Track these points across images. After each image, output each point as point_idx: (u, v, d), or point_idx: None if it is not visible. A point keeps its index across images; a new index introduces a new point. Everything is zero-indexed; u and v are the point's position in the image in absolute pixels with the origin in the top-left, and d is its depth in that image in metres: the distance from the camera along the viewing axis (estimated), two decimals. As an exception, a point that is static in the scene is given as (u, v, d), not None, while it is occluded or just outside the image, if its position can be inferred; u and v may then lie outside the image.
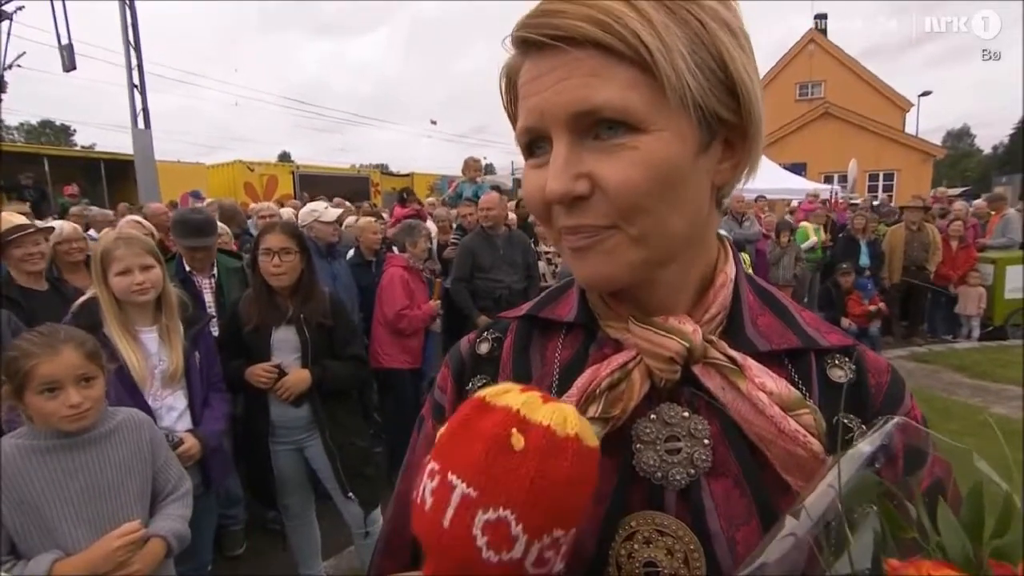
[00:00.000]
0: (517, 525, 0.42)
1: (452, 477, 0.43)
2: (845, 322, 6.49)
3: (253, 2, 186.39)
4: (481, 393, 0.47)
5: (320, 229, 3.97)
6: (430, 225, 5.47)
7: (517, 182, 15.61)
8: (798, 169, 14.87)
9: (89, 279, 2.90)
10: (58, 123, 48.28)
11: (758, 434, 0.51)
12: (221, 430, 2.26)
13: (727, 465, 0.52)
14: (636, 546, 0.52)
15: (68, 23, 10.50)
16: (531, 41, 0.47)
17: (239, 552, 3.24)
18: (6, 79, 11.49)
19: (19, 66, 11.94)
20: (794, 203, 10.34)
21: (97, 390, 1.58)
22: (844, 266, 6.75)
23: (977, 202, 9.55)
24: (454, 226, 5.48)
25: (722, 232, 0.61)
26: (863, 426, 0.51)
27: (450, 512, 0.43)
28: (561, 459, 0.43)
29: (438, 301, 4.06)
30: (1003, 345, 7.06)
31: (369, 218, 4.95)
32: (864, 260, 7.18)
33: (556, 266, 4.97)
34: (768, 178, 10.14)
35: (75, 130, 48.39)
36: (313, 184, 14.21)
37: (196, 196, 9.77)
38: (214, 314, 2.94)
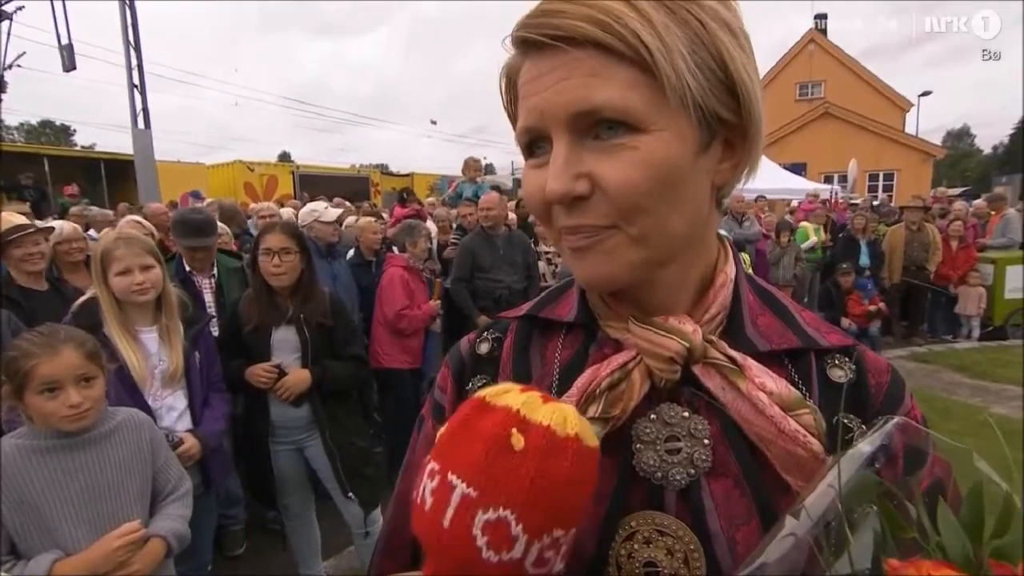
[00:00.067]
0: (517, 525, 0.42)
1: (452, 477, 0.43)
2: (845, 322, 6.48)
3: (253, 2, 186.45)
4: (481, 393, 0.47)
5: (320, 229, 3.97)
6: (430, 225, 5.47)
7: (517, 182, 15.60)
8: (798, 169, 14.87)
9: (89, 279, 2.91)
10: (58, 123, 48.31)
11: (758, 434, 0.51)
12: (221, 430, 2.26)
13: (727, 465, 0.52)
14: (636, 546, 0.52)
15: (68, 23, 10.51)
16: (531, 41, 0.47)
17: (239, 552, 3.24)
18: (6, 79, 11.50)
19: (19, 66, 11.95)
20: (794, 203, 10.34)
21: (97, 390, 1.58)
22: (844, 266, 6.75)
23: (977, 202, 9.55)
24: (454, 226, 5.48)
25: (722, 232, 0.61)
26: (863, 426, 0.51)
27: (450, 512, 0.43)
28: (561, 459, 0.43)
29: (438, 301, 4.06)
30: (1003, 345, 7.06)
31: (369, 218, 4.96)
32: (864, 260, 7.19)
33: (556, 266, 4.97)
34: (768, 178, 10.14)
35: (75, 130, 48.44)
36: (313, 184, 14.21)
37: (196, 196, 9.77)
38: (214, 314, 2.94)
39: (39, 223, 3.11)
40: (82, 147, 29.40)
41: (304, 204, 5.60)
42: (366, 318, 3.98)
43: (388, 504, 0.69)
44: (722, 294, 0.56)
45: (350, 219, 5.19)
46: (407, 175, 18.33)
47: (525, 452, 0.42)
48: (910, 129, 23.14)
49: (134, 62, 10.40)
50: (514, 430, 0.43)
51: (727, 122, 0.49)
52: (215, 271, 3.19)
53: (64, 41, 10.54)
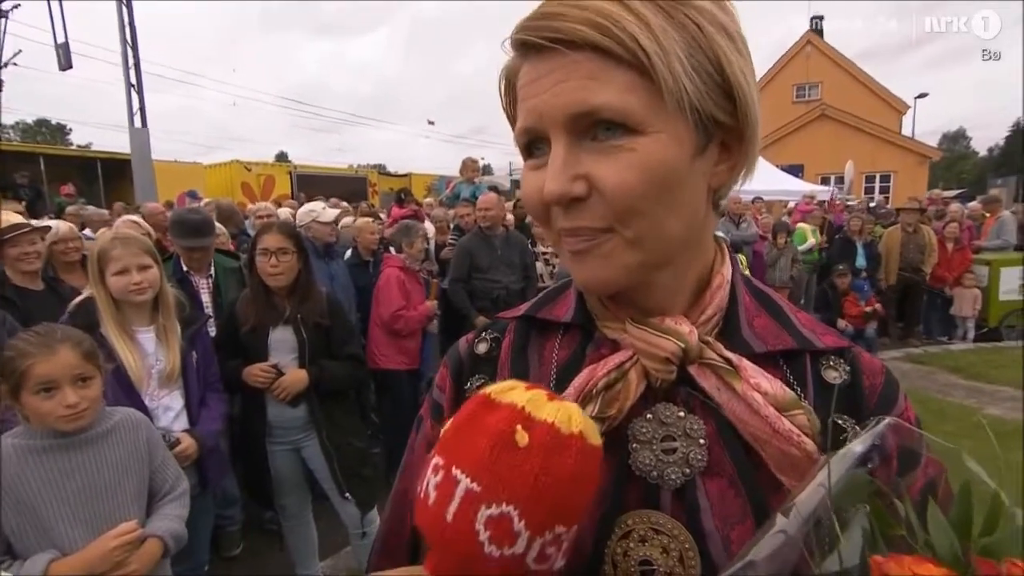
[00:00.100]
0: (520, 521, 0.42)
1: (456, 472, 0.44)
2: (842, 323, 6.51)
3: (254, 2, 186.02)
4: (487, 390, 0.48)
5: (318, 229, 3.97)
6: (428, 226, 5.47)
7: (515, 183, 15.60)
8: (795, 171, 14.91)
9: (85, 279, 2.90)
10: (54, 122, 48.09)
11: (753, 434, 0.51)
12: (218, 430, 2.25)
13: (722, 465, 0.53)
14: (632, 544, 0.52)
15: (64, 22, 10.49)
16: (530, 43, 0.48)
17: (236, 552, 3.24)
18: (2, 77, 11.46)
19: (15, 64, 11.92)
20: (791, 204, 10.37)
21: (94, 390, 1.58)
22: (840, 267, 6.78)
23: (972, 204, 9.61)
24: (451, 227, 5.48)
25: (719, 234, 0.61)
26: (857, 427, 0.52)
27: (453, 506, 0.43)
28: (565, 456, 0.43)
29: (434, 302, 4.06)
30: (998, 346, 7.10)
31: (367, 218, 4.95)
32: (860, 262, 7.21)
33: (553, 267, 4.98)
34: (765, 179, 10.18)
35: (71, 129, 48.19)
36: (310, 184, 14.18)
37: (193, 196, 9.74)
38: (211, 314, 2.94)
39: (36, 222, 3.10)
40: (78, 146, 29.30)
41: (301, 204, 5.59)
42: (363, 318, 3.97)
43: (386, 504, 0.70)
44: (718, 295, 0.57)
45: (347, 219, 5.19)
46: (405, 175, 18.30)
47: (529, 449, 0.43)
48: (906, 131, 23.23)
49: (131, 61, 10.37)
50: (519, 427, 0.43)
51: (724, 125, 0.49)
52: (212, 271, 3.18)
53: (60, 40, 10.52)
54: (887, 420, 0.44)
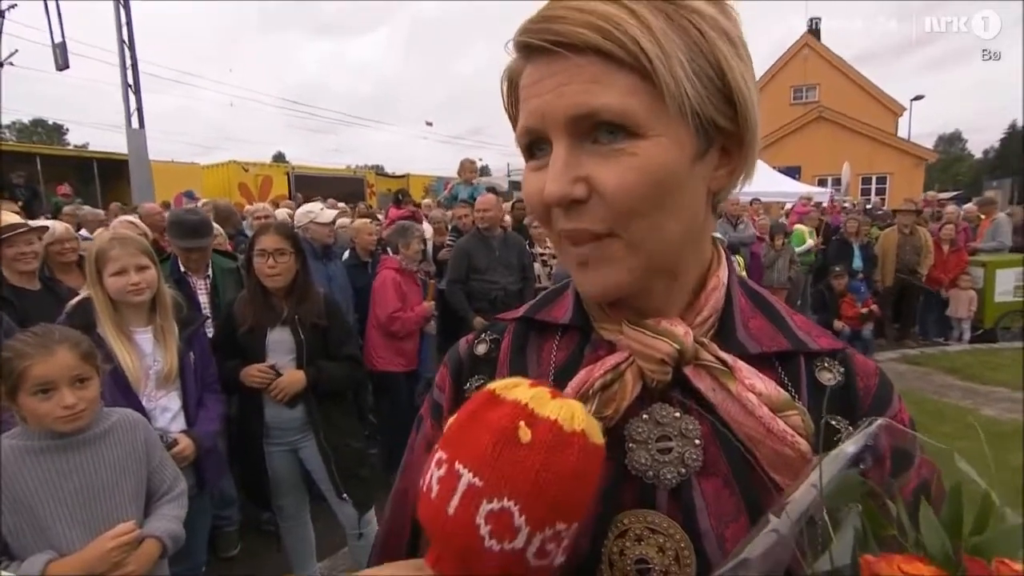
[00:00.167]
0: (520, 516, 0.43)
1: (459, 466, 0.44)
2: (838, 324, 6.53)
3: (253, 2, 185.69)
4: (491, 386, 0.48)
5: (315, 230, 3.97)
6: (426, 227, 5.47)
7: (513, 184, 15.61)
8: (792, 172, 14.98)
9: (81, 279, 2.90)
10: (50, 122, 47.93)
11: (747, 434, 0.52)
12: (215, 431, 2.25)
13: (717, 465, 0.53)
14: (628, 543, 0.53)
15: (62, 21, 10.46)
16: (533, 46, 0.48)
17: (233, 553, 3.23)
18: (-1, 77, 11.43)
19: (12, 64, 11.89)
20: (788, 206, 10.40)
21: (92, 391, 1.58)
22: (837, 269, 6.81)
23: (968, 206, 9.65)
24: (449, 228, 5.48)
25: (716, 235, 0.62)
26: (850, 427, 0.52)
27: (455, 500, 0.44)
28: (567, 453, 0.44)
29: (431, 303, 4.06)
30: (993, 348, 7.13)
31: (364, 219, 4.96)
32: (857, 263, 7.24)
33: (551, 268, 4.99)
34: (763, 181, 10.21)
35: (68, 129, 48.05)
36: (308, 185, 14.16)
37: (190, 196, 9.71)
38: (209, 315, 2.94)
39: (33, 222, 3.09)
40: (75, 146, 29.20)
41: (299, 205, 5.59)
42: (361, 319, 3.97)
43: (385, 504, 0.70)
44: (714, 297, 0.57)
45: (344, 220, 5.19)
46: (402, 176, 18.28)
47: (532, 445, 0.43)
48: (902, 133, 23.34)
49: (128, 61, 10.36)
50: (522, 423, 0.44)
51: (724, 129, 0.50)
52: (210, 272, 3.18)
53: (57, 39, 10.49)
54: (879, 421, 0.45)
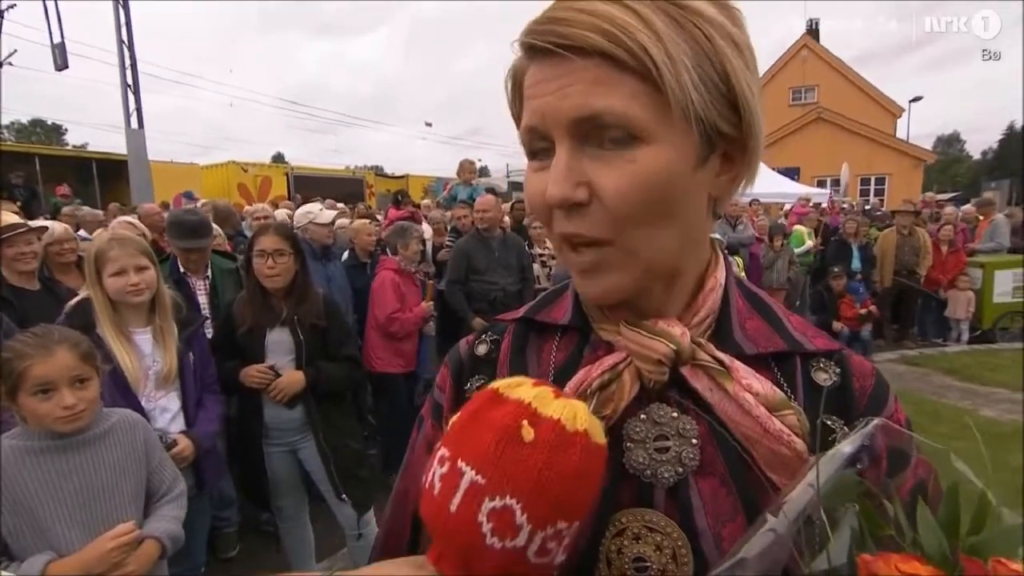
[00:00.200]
0: (522, 514, 0.43)
1: (462, 464, 0.45)
2: (837, 325, 6.54)
3: (252, 1, 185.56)
4: (494, 385, 0.49)
5: (315, 231, 3.97)
6: (425, 227, 5.48)
7: (512, 185, 15.61)
8: (791, 173, 14.98)
9: (80, 279, 2.90)
10: (49, 122, 47.89)
11: (744, 434, 0.52)
12: (215, 431, 2.25)
13: (714, 464, 0.54)
14: (626, 542, 0.53)
15: (61, 21, 10.44)
16: (538, 47, 0.48)
17: (232, 554, 3.23)
18: (-2, 77, 11.42)
19: (11, 64, 11.88)
20: (787, 207, 10.42)
21: (91, 391, 1.58)
22: (836, 270, 6.82)
23: (966, 207, 9.66)
24: (448, 228, 5.49)
25: (715, 236, 0.62)
26: (846, 428, 0.53)
27: (458, 497, 0.44)
28: (569, 453, 0.44)
29: (430, 303, 4.06)
30: (992, 348, 7.14)
31: (363, 220, 4.96)
32: (856, 264, 7.26)
33: (550, 268, 4.99)
34: (762, 182, 9.93)
35: (67, 129, 47.99)
36: (307, 185, 14.15)
37: (189, 197, 9.71)
38: (208, 315, 2.94)
39: (32, 223, 3.09)
40: (74, 146, 29.18)
41: (298, 206, 5.59)
42: (360, 320, 3.98)
43: (384, 505, 0.70)
44: (711, 298, 0.57)
45: (343, 221, 5.19)
46: (402, 177, 18.27)
47: (535, 444, 0.44)
48: (901, 134, 23.38)
49: (127, 61, 10.35)
50: (525, 422, 0.44)
51: (727, 135, 0.50)
52: (209, 272, 3.18)
53: (56, 40, 10.48)
54: (875, 421, 0.45)
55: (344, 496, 2.51)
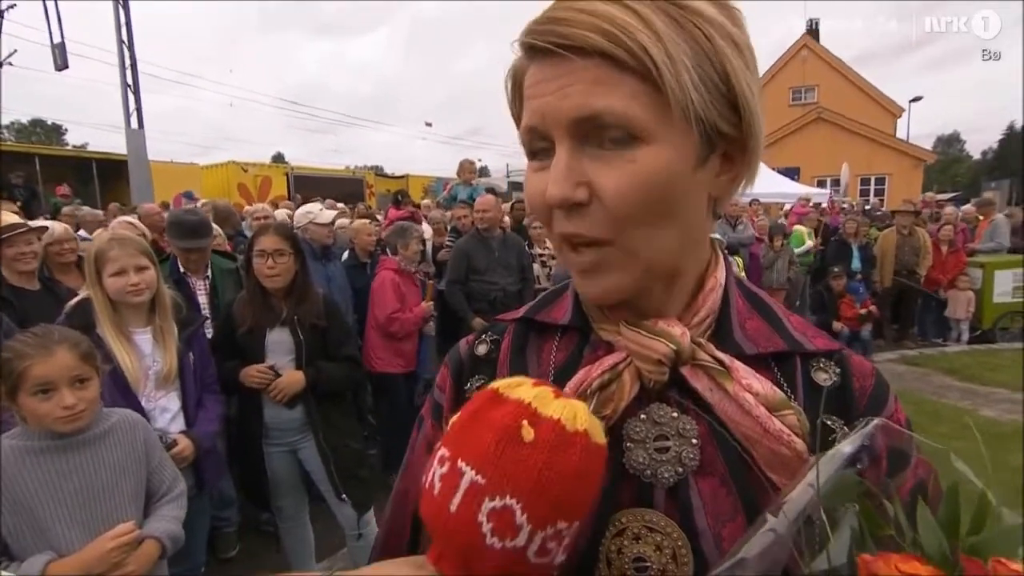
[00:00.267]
0: (522, 514, 0.43)
1: (462, 464, 0.45)
2: (837, 325, 6.54)
3: (252, 1, 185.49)
4: (494, 385, 0.49)
5: (315, 231, 3.97)
6: (425, 227, 5.48)
7: (512, 185, 15.61)
8: (791, 173, 14.98)
9: (80, 280, 2.90)
10: (49, 122, 47.88)
11: (744, 434, 0.52)
12: (215, 431, 2.25)
13: (714, 464, 0.54)
14: (626, 542, 0.53)
15: (61, 21, 10.44)
16: (537, 47, 0.48)
17: (232, 554, 3.23)
18: (-2, 77, 11.42)
19: (11, 64, 11.88)
20: (787, 207, 10.43)
21: (92, 391, 1.58)
22: (836, 270, 6.82)
23: (966, 207, 9.67)
24: (448, 228, 5.49)
25: (715, 236, 0.62)
26: (846, 428, 0.53)
27: (458, 497, 0.44)
28: (569, 453, 0.44)
29: (430, 303, 4.06)
30: (992, 348, 7.14)
31: (363, 220, 4.96)
32: (856, 264, 7.26)
33: (550, 268, 4.99)
34: (762, 182, 9.90)
35: (66, 129, 47.99)
36: (307, 185, 14.15)
37: (189, 197, 9.71)
38: (208, 315, 2.94)
39: (33, 222, 3.09)
40: (73, 146, 29.18)
41: (298, 206, 5.59)
42: (360, 320, 3.98)
43: (384, 505, 0.70)
44: (711, 298, 0.57)
45: (343, 221, 5.19)
46: (401, 177, 18.27)
47: (535, 444, 0.44)
48: (901, 134, 23.39)
49: (127, 61, 10.35)
50: (525, 422, 0.44)
51: (727, 135, 0.50)
52: (209, 272, 3.18)
53: (56, 40, 10.48)
54: (875, 421, 0.45)
55: (344, 496, 2.51)
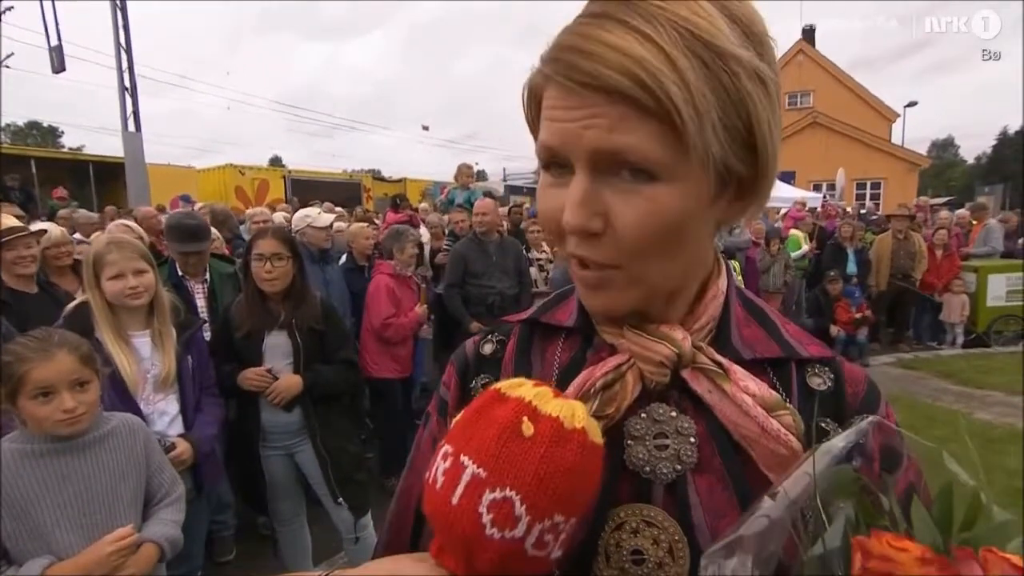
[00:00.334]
0: (521, 506, 0.44)
1: (464, 459, 0.47)
2: (834, 329, 6.58)
3: (252, 2, 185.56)
4: (497, 385, 0.51)
5: (312, 234, 3.97)
6: (423, 231, 5.48)
7: (509, 188, 15.65)
8: (787, 177, 15.05)
9: (76, 283, 2.90)
10: (45, 124, 47.75)
11: (743, 435, 0.54)
12: (213, 435, 2.25)
13: (712, 462, 0.55)
14: (624, 536, 0.54)
15: (58, 23, 10.43)
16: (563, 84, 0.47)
17: (229, 558, 3.23)
18: (-5, 79, 11.39)
19: (7, 67, 11.86)
20: (783, 211, 10.48)
21: (91, 394, 1.58)
22: (832, 274, 6.86)
23: (960, 211, 9.73)
24: (446, 232, 5.50)
25: (715, 242, 0.63)
26: (839, 431, 0.54)
27: (459, 490, 0.46)
28: (567, 448, 0.46)
29: (424, 306, 4.05)
30: (987, 352, 7.19)
31: (361, 224, 4.96)
32: (851, 268, 7.30)
33: (548, 272, 5.01)
34: None
35: (63, 132, 47.88)
36: (305, 189, 14.16)
37: (186, 200, 9.70)
38: (206, 319, 2.94)
39: (32, 226, 3.09)
40: (70, 149, 29.09)
41: (296, 209, 5.60)
42: (358, 323, 3.98)
43: (380, 508, 0.71)
44: (712, 306, 0.59)
45: (341, 224, 5.19)
46: (399, 180, 18.30)
47: (534, 439, 0.46)
48: (896, 139, 23.54)
49: (125, 64, 10.34)
50: (525, 419, 0.46)
51: (742, 175, 0.51)
52: (208, 276, 3.18)
53: (54, 42, 10.46)
54: (871, 418, 0.47)
55: (341, 500, 2.51)
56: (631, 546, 0.54)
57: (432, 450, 0.52)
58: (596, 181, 0.49)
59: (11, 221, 2.81)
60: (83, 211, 7.19)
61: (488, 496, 0.45)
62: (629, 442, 0.56)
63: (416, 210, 7.93)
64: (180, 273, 3.08)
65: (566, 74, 0.46)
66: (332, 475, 2.50)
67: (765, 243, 7.07)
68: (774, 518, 0.42)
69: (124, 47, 10.31)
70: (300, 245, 2.90)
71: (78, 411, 1.52)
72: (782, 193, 11.58)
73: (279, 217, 5.56)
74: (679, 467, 0.55)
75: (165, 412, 2.10)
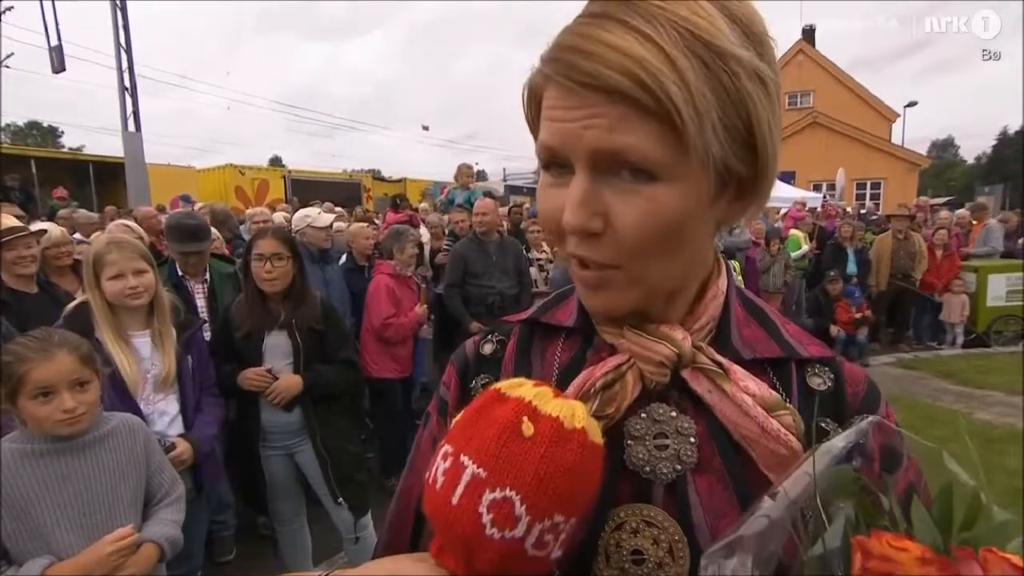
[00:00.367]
0: (521, 505, 0.44)
1: (464, 459, 0.46)
2: (834, 329, 6.58)
3: (251, 2, 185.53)
4: (497, 385, 0.51)
5: (312, 234, 3.97)
6: (423, 231, 5.48)
7: (509, 188, 15.65)
8: (787, 177, 15.05)
9: (76, 283, 2.90)
10: (45, 124, 47.75)
11: (743, 435, 0.54)
12: (213, 435, 2.25)
13: (711, 462, 0.55)
14: (624, 536, 0.54)
15: (58, 23, 10.43)
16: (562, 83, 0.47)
17: (229, 558, 3.23)
18: (-5, 79, 11.39)
19: (7, 67, 11.87)
20: (783, 211, 10.47)
21: (91, 394, 1.58)
22: (832, 274, 6.86)
23: (960, 212, 9.74)
24: (446, 232, 5.50)
25: (715, 242, 0.63)
26: (839, 431, 0.54)
27: (460, 490, 0.46)
28: (567, 448, 0.46)
29: (424, 306, 4.05)
30: (987, 352, 7.19)
31: (361, 224, 4.97)
32: (851, 268, 7.30)
33: (548, 272, 5.01)
34: None
35: (63, 132, 47.87)
36: (305, 189, 14.16)
37: (186, 200, 9.70)
38: (206, 319, 2.94)
39: (32, 226, 3.09)
40: (70, 149, 29.09)
41: (296, 209, 5.60)
42: (358, 323, 3.98)
43: (380, 509, 0.71)
44: (712, 306, 0.59)
45: (340, 224, 5.19)
46: (399, 180, 18.30)
47: (534, 439, 0.45)
48: (896, 139, 23.54)
49: (125, 64, 10.34)
50: (525, 419, 0.46)
51: (742, 175, 0.51)
52: (208, 276, 3.18)
53: (54, 42, 10.46)
54: (871, 418, 0.47)
55: (341, 500, 2.51)
56: (631, 546, 0.54)
57: (432, 450, 0.52)
58: (596, 181, 0.48)
59: (11, 221, 2.81)
60: (83, 211, 7.18)
61: (488, 496, 0.45)
62: (629, 442, 0.56)
63: (416, 210, 7.93)
64: (180, 273, 3.08)
65: (566, 74, 0.46)
66: (332, 475, 2.50)
67: (765, 243, 7.07)
68: (774, 518, 0.42)
69: (124, 47, 10.31)
70: (300, 245, 2.91)
71: (78, 411, 1.52)
72: (782, 193, 11.58)
73: (279, 217, 5.56)
74: (679, 467, 0.55)
75: (165, 412, 2.10)
